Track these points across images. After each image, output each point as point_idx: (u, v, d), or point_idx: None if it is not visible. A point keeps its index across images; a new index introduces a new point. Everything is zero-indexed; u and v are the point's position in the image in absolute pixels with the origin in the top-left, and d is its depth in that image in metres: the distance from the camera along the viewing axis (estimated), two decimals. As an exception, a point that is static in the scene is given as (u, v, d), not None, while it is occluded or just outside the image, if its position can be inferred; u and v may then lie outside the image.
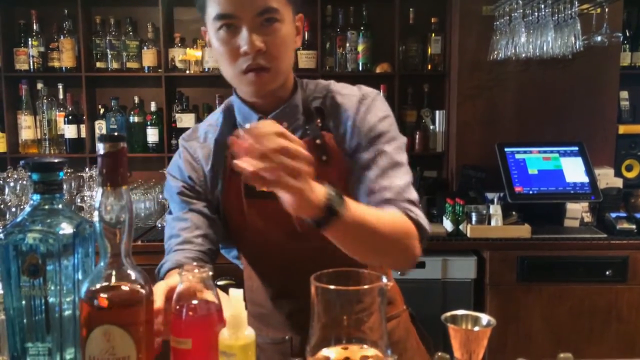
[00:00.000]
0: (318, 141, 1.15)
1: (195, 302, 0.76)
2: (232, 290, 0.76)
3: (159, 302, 0.81)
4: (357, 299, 0.76)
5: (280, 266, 1.21)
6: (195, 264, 0.85)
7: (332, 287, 0.76)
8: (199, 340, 0.75)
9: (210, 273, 0.77)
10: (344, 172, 1.16)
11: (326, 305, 0.77)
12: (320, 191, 0.91)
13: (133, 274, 0.74)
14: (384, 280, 0.78)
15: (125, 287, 0.72)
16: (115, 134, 0.70)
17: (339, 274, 0.80)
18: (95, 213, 0.72)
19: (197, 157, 1.21)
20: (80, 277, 0.79)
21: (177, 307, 0.76)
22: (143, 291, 0.73)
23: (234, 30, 1.06)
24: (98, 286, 0.72)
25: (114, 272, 0.73)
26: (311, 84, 1.23)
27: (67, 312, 0.78)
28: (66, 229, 0.77)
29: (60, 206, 0.79)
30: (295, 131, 1.17)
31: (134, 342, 0.71)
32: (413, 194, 1.13)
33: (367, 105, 1.17)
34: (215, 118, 1.24)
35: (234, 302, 0.76)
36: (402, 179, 1.13)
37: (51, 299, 0.78)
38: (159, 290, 0.84)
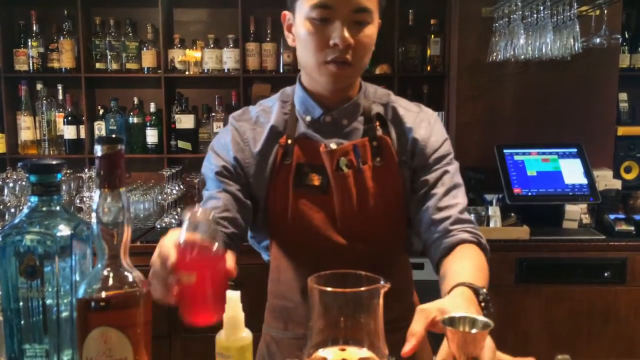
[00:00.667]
0: (375, 143, 1.19)
1: (201, 240, 0.77)
2: (229, 292, 0.76)
3: (172, 256, 0.78)
4: (355, 301, 0.76)
5: (315, 259, 1.20)
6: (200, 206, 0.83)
7: (329, 289, 0.76)
8: (202, 275, 0.76)
9: (215, 214, 0.79)
10: (397, 179, 1.20)
11: (324, 307, 0.77)
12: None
13: (130, 276, 0.74)
14: (382, 282, 0.78)
15: (122, 289, 0.72)
16: (113, 135, 0.71)
17: (336, 276, 0.80)
18: (93, 215, 0.72)
19: (247, 138, 1.21)
20: (77, 278, 0.79)
21: (184, 244, 0.77)
22: (140, 293, 0.73)
23: (327, 20, 1.09)
24: (95, 288, 0.72)
25: (111, 274, 0.73)
26: (371, 87, 1.27)
27: (64, 314, 0.78)
28: (64, 230, 0.77)
29: (58, 208, 0.79)
30: (354, 130, 1.21)
31: (131, 344, 0.71)
32: (468, 214, 1.20)
33: (430, 126, 1.22)
34: (269, 104, 1.26)
35: (231, 304, 0.76)
36: (464, 198, 1.21)
37: (49, 301, 0.78)
38: (169, 239, 0.82)
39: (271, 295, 1.31)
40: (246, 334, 0.77)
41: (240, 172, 1.20)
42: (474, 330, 0.77)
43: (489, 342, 0.80)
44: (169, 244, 0.79)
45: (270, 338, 1.30)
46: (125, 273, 0.74)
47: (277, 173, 1.19)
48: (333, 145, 1.17)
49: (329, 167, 1.16)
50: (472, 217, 1.22)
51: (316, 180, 1.17)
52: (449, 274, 1.07)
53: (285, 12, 1.20)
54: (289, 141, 1.19)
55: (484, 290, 0.98)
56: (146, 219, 2.80)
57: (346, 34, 1.07)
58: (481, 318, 0.79)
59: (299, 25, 1.14)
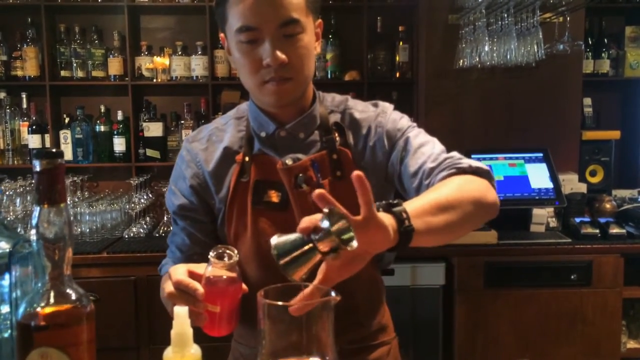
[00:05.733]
0: (334, 156, 1.15)
1: (224, 277, 0.95)
2: (176, 308, 0.75)
3: (187, 280, 0.93)
4: (306, 313, 0.76)
5: (279, 277, 1.18)
6: (224, 251, 0.97)
7: (279, 303, 0.76)
8: (225, 306, 0.96)
9: (236, 258, 0.96)
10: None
11: (274, 321, 0.76)
12: (387, 224, 0.83)
13: (73, 294, 0.72)
14: (332, 294, 0.78)
15: (64, 307, 0.70)
16: (53, 150, 0.69)
17: (286, 289, 0.80)
18: (33, 231, 0.70)
19: (199, 160, 1.19)
20: (18, 296, 0.77)
21: (210, 282, 0.94)
22: (83, 310, 0.71)
23: (256, 41, 1.06)
24: (36, 306, 0.70)
25: (52, 292, 0.71)
26: (328, 96, 1.24)
27: (4, 334, 0.76)
28: (2, 247, 0.75)
29: (-3, 224, 0.77)
30: (312, 143, 1.17)
31: (73, 364, 0.69)
32: (452, 153, 1.11)
33: (385, 118, 1.19)
34: (223, 122, 1.24)
35: (178, 320, 0.75)
36: (435, 148, 1.13)
37: (-12, 320, 0.76)
38: (181, 270, 0.96)
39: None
40: (194, 350, 0.75)
41: (198, 202, 1.19)
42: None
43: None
44: (183, 273, 0.95)
45: (239, 354, 1.29)
46: (68, 290, 0.72)
47: (235, 191, 1.16)
48: (289, 162, 1.13)
49: (287, 184, 1.13)
50: (456, 153, 1.10)
51: (275, 197, 1.15)
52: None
53: (222, 35, 1.16)
54: (246, 159, 1.16)
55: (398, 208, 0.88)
56: (113, 229, 2.76)
57: (277, 52, 1.04)
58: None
59: (232, 48, 1.11)
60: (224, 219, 1.19)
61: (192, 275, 0.95)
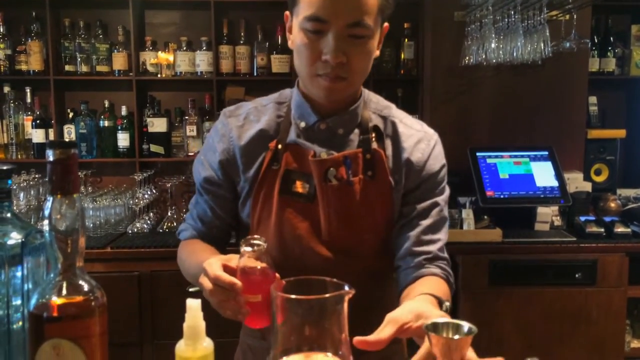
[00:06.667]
0: (368, 156, 1.15)
1: (258, 267, 0.94)
2: (189, 301, 0.74)
3: (224, 275, 0.91)
4: (319, 307, 0.75)
5: (297, 270, 1.17)
6: (253, 240, 0.95)
7: (293, 296, 0.75)
8: (265, 295, 0.93)
9: (265, 245, 0.94)
10: (387, 195, 1.16)
11: (288, 314, 0.76)
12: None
13: (85, 285, 0.71)
14: (346, 288, 0.77)
15: (76, 299, 0.70)
16: (66, 139, 0.68)
17: (300, 282, 0.79)
18: (45, 222, 0.69)
19: (232, 135, 1.18)
20: (30, 288, 0.76)
21: (246, 272, 0.93)
22: (95, 302, 0.70)
23: (321, 33, 1.04)
24: (48, 298, 0.69)
25: (64, 283, 0.70)
26: (374, 97, 1.23)
27: (15, 325, 0.75)
28: (14, 238, 0.74)
29: (9, 215, 0.76)
30: (348, 140, 1.16)
31: (85, 356, 0.68)
32: (446, 252, 1.19)
33: (429, 148, 1.18)
34: (264, 103, 1.22)
35: (191, 313, 0.74)
36: (445, 234, 1.19)
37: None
38: (216, 266, 0.94)
39: None
40: (207, 344, 0.75)
41: (224, 177, 1.19)
42: (457, 336, 0.76)
43: (470, 354, 0.78)
44: (218, 268, 0.94)
45: (247, 346, 1.28)
46: (80, 282, 0.71)
47: (264, 177, 1.15)
48: (323, 155, 1.13)
49: (316, 176, 1.13)
50: (447, 255, 1.20)
51: (302, 188, 1.14)
52: (412, 292, 1.06)
53: (287, 13, 1.14)
54: (279, 146, 1.15)
55: (448, 303, 0.97)
56: (117, 224, 2.75)
57: (339, 50, 1.03)
58: (465, 324, 0.78)
59: (295, 32, 1.09)
60: (246, 199, 1.18)
61: (226, 269, 0.95)
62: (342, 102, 1.15)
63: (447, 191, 1.21)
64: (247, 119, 1.20)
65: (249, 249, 0.93)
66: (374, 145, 1.16)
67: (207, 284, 0.95)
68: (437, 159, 1.19)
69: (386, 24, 1.13)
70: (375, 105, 1.21)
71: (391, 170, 1.16)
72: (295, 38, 1.09)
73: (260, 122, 1.18)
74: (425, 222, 1.15)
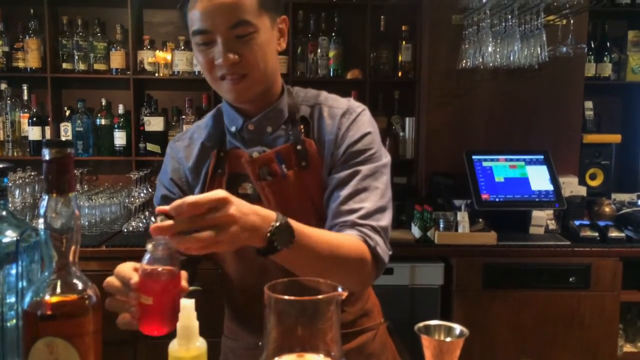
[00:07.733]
0: (299, 147, 1.17)
1: (159, 268, 0.88)
2: (183, 301, 0.75)
3: (135, 277, 0.88)
4: (312, 309, 0.76)
5: (255, 270, 1.19)
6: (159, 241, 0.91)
7: (286, 297, 0.75)
8: (159, 298, 0.86)
9: (173, 250, 0.88)
10: (322, 180, 1.18)
11: (280, 316, 0.76)
12: (266, 223, 0.91)
13: (80, 284, 0.71)
14: (339, 290, 0.77)
15: (70, 297, 0.70)
16: (63, 137, 0.68)
17: (293, 283, 0.79)
18: (40, 220, 0.70)
19: (180, 156, 1.25)
20: (24, 286, 0.76)
21: (145, 272, 0.87)
22: (89, 301, 0.71)
23: (210, 43, 1.10)
24: (42, 296, 0.70)
25: (59, 282, 0.70)
26: (301, 91, 1.25)
27: (10, 323, 0.75)
28: (9, 236, 0.75)
29: (4, 213, 0.77)
30: (278, 136, 1.19)
31: (79, 355, 0.69)
32: (381, 221, 1.11)
33: (349, 121, 1.18)
34: (204, 121, 1.28)
35: (184, 313, 0.74)
36: (373, 202, 1.11)
37: (-6, 309, 0.76)
38: (127, 266, 0.92)
39: (226, 304, 1.31)
40: (200, 344, 0.75)
41: (178, 193, 1.22)
42: (448, 339, 0.77)
43: None
44: (128, 268, 0.91)
45: (228, 349, 1.29)
46: (75, 280, 0.71)
47: (211, 183, 1.19)
48: (255, 155, 1.18)
49: (252, 176, 1.16)
50: (384, 223, 1.11)
51: (248, 189, 1.18)
52: None
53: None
54: (221, 154, 1.20)
55: (278, 223, 0.93)
56: (112, 223, 2.75)
57: (227, 54, 1.08)
58: (457, 326, 0.78)
59: (194, 49, 1.15)
60: None
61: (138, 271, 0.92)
62: (262, 101, 1.18)
63: (381, 160, 1.17)
64: (191, 138, 1.26)
65: (153, 250, 0.89)
66: (303, 136, 1.19)
67: (108, 278, 0.93)
68: (359, 129, 1.17)
69: (283, 17, 1.18)
70: (304, 96, 1.24)
71: (320, 154, 1.17)
72: (195, 54, 1.16)
73: (202, 137, 1.24)
74: (343, 192, 1.12)
